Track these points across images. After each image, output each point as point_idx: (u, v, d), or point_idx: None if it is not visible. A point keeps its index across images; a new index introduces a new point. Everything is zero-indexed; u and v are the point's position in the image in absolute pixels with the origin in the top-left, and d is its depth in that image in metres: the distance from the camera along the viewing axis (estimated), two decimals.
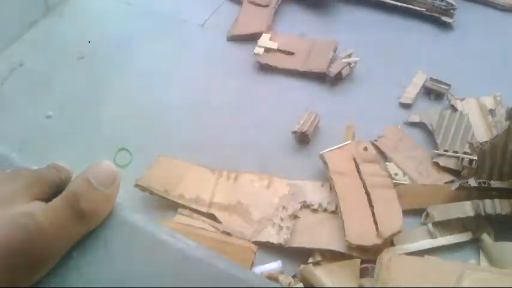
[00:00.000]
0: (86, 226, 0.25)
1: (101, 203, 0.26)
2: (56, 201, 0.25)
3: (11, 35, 1.00)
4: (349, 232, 0.65)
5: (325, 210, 0.73)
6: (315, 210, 0.74)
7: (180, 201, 0.73)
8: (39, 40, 1.02)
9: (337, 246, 0.67)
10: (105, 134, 0.85)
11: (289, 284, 0.66)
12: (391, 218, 0.64)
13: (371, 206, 0.69)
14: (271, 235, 0.72)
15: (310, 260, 0.70)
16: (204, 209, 0.73)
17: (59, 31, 1.04)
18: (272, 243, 0.71)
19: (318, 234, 0.71)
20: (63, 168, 0.28)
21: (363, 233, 0.64)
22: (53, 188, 0.26)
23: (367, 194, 0.71)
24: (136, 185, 0.74)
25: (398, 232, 0.64)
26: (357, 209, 0.69)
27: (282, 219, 0.73)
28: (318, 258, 0.70)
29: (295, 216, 0.73)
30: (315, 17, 1.07)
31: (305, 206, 0.74)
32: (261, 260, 0.70)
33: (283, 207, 0.74)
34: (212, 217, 0.73)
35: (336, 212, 0.72)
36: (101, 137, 0.85)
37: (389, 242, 0.66)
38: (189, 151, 0.80)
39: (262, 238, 0.72)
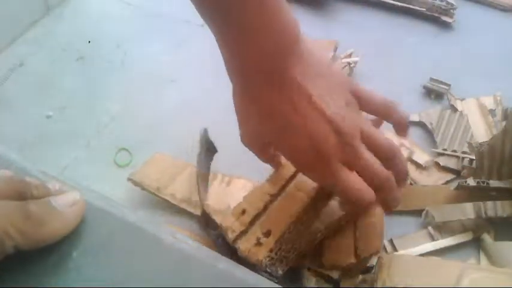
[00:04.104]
0: (28, 229, 0.25)
1: (51, 215, 0.26)
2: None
3: (11, 35, 1.00)
4: (326, 250, 0.61)
5: None
6: None
7: (171, 201, 0.72)
8: (39, 40, 1.02)
9: (311, 263, 0.63)
10: (105, 134, 0.85)
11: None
12: (371, 238, 0.61)
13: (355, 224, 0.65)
14: None
15: None
16: (194, 210, 0.72)
17: (59, 31, 1.04)
18: None
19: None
20: (44, 189, 0.28)
21: (339, 252, 0.60)
22: (17, 198, 0.27)
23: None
24: (129, 179, 0.73)
25: (376, 253, 0.61)
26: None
27: None
28: None
29: None
30: (315, 17, 1.07)
31: None
32: None
33: None
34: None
35: None
36: (101, 137, 0.85)
37: (366, 260, 0.62)
38: (188, 151, 0.80)
39: None
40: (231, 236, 0.56)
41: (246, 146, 0.57)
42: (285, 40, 0.45)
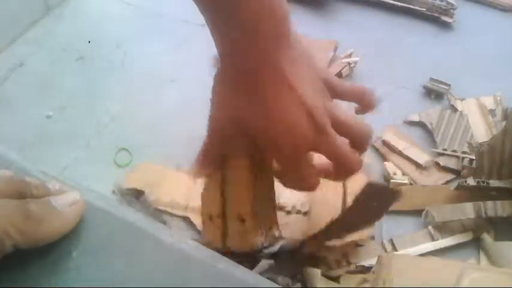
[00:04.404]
0: (27, 228, 0.25)
1: (50, 214, 0.26)
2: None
3: (11, 35, 1.00)
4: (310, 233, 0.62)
5: (298, 212, 0.70)
6: (288, 212, 0.71)
7: (156, 205, 0.72)
8: (39, 40, 1.02)
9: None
10: (105, 134, 0.85)
11: (287, 284, 0.66)
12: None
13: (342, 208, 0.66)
14: None
15: None
16: (180, 213, 0.72)
17: (59, 31, 1.04)
18: None
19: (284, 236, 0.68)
20: (44, 189, 0.28)
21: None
22: (17, 198, 0.26)
23: (344, 198, 0.68)
24: (114, 191, 0.73)
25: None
26: (327, 212, 0.65)
27: None
28: None
29: None
30: (315, 17, 1.07)
31: (279, 207, 0.70)
32: None
33: None
34: (188, 220, 0.72)
35: (307, 213, 0.69)
36: (101, 137, 0.85)
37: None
38: (188, 151, 0.80)
39: None
40: (218, 246, 0.56)
41: (212, 129, 0.55)
42: (284, 29, 0.46)
